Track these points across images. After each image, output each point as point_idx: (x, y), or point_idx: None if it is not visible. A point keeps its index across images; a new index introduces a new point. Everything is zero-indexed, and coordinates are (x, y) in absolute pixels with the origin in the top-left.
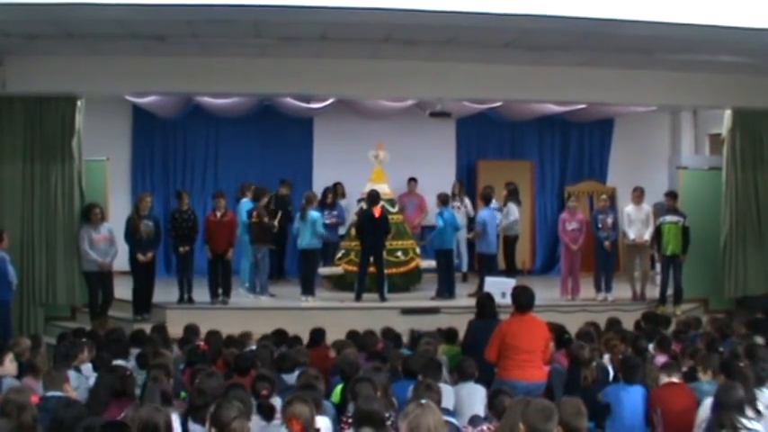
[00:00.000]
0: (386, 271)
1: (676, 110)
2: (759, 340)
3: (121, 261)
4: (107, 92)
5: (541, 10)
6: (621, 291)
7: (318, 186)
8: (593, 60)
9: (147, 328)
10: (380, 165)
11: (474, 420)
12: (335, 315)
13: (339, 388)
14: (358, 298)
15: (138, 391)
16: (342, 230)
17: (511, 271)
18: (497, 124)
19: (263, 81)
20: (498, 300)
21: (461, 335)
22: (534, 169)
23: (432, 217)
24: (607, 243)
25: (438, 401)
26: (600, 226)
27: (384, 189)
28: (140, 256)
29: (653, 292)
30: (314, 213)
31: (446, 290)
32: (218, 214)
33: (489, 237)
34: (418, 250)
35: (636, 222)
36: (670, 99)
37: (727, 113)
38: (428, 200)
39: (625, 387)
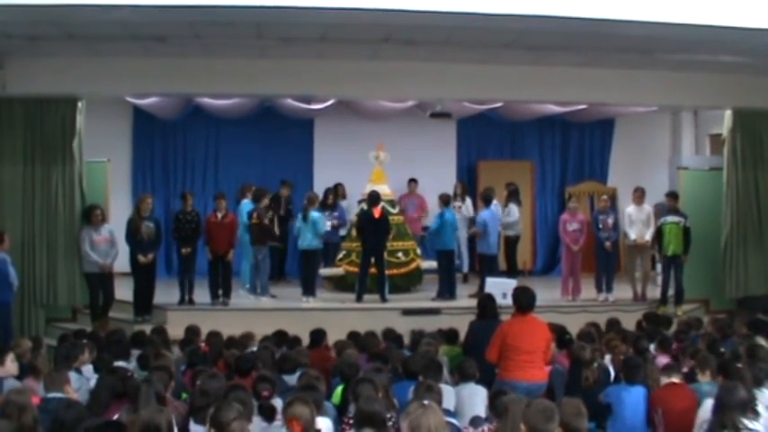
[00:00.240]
0: (387, 272)
1: (677, 110)
2: (760, 340)
3: (122, 262)
4: (108, 93)
5: (541, 10)
6: (622, 291)
7: (319, 187)
8: (594, 61)
9: (148, 329)
10: (381, 165)
11: (475, 421)
12: (336, 316)
13: (340, 389)
14: (359, 299)
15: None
16: (343, 231)
17: (512, 271)
18: (498, 125)
19: (264, 82)
20: (499, 300)
21: (462, 335)
22: (535, 170)
23: (432, 217)
24: (608, 243)
25: (439, 402)
26: (601, 226)
27: (384, 190)
28: (141, 258)
29: (654, 292)
30: (315, 214)
31: (447, 291)
32: (219, 215)
33: (490, 237)
34: (419, 251)
35: (637, 223)
36: (670, 99)
37: (728, 114)
38: (428, 200)
39: (626, 387)
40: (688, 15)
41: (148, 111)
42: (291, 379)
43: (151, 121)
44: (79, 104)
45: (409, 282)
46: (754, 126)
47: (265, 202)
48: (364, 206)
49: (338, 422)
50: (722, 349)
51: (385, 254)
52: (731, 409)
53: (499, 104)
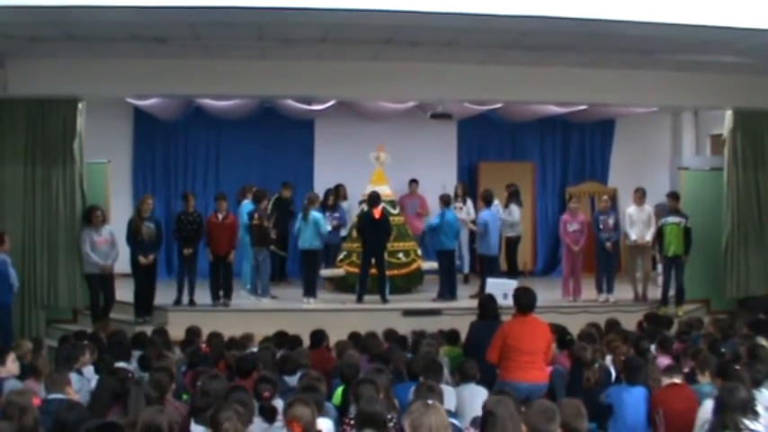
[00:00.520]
0: (387, 272)
1: (677, 110)
2: (761, 341)
3: (123, 263)
4: (108, 94)
5: (542, 11)
6: (623, 292)
7: (320, 188)
8: (594, 61)
9: (149, 330)
10: (381, 166)
11: (476, 422)
12: (337, 317)
13: (340, 390)
14: (359, 299)
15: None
16: (343, 232)
17: (512, 272)
18: (498, 125)
19: (264, 83)
20: (500, 301)
21: (463, 336)
22: (535, 170)
23: (432, 217)
24: (608, 244)
25: (440, 403)
26: (601, 227)
27: (385, 190)
28: (142, 259)
29: (655, 293)
30: (316, 213)
31: (448, 291)
32: (220, 216)
33: (490, 238)
34: (419, 252)
35: (637, 223)
36: (671, 100)
37: (728, 114)
38: (429, 201)
39: (627, 388)
40: (688, 16)
41: (149, 112)
42: (292, 380)
43: (152, 122)
44: (80, 105)
45: (410, 282)
46: (754, 126)
47: (265, 203)
48: (365, 207)
49: (339, 423)
50: (723, 350)
51: (385, 255)
52: (732, 410)
53: (500, 105)
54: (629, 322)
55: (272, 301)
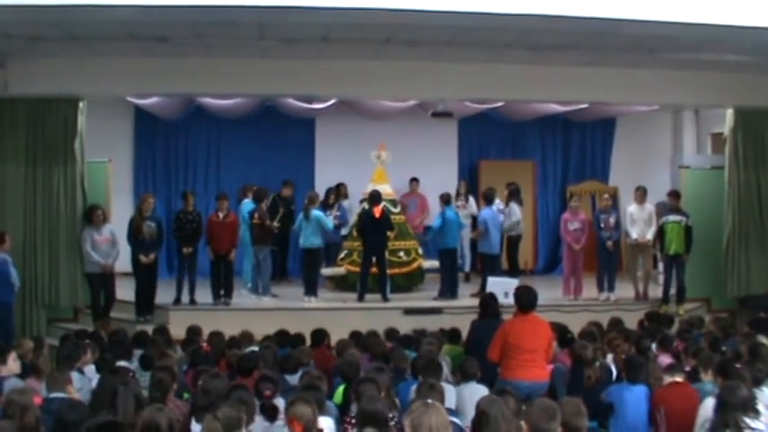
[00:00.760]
0: (388, 271)
1: (678, 109)
2: (762, 339)
3: (124, 262)
4: (109, 93)
5: (543, 10)
6: (624, 290)
7: (321, 187)
8: (595, 60)
9: (150, 329)
10: (382, 165)
11: None
12: (338, 315)
13: (341, 388)
14: (360, 298)
15: (143, 393)
16: (344, 231)
17: (513, 271)
18: (499, 124)
19: (265, 82)
20: (501, 300)
21: (464, 335)
22: (536, 169)
23: (433, 217)
24: (609, 243)
25: (441, 401)
26: (602, 225)
27: (386, 189)
28: (143, 258)
29: (655, 291)
30: (317, 212)
31: (449, 290)
32: (221, 215)
33: (491, 237)
34: (420, 250)
35: (638, 222)
36: (672, 98)
37: (730, 112)
38: (430, 200)
39: (628, 386)
40: (689, 14)
41: (150, 111)
42: (293, 378)
43: (152, 121)
44: (81, 105)
45: (411, 281)
46: (755, 125)
47: (266, 202)
48: (366, 206)
49: (340, 422)
50: (724, 348)
51: (386, 253)
52: (733, 408)
53: (501, 104)
54: (630, 321)
55: (272, 299)
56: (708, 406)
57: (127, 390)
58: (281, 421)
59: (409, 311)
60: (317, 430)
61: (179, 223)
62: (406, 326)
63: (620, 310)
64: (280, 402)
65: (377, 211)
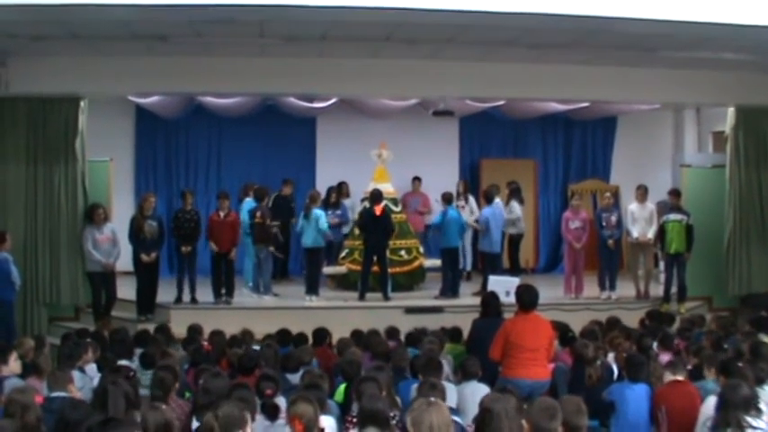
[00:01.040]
0: (389, 270)
1: (679, 107)
2: (764, 338)
3: (125, 261)
4: (110, 92)
5: (543, 8)
6: (625, 289)
7: (322, 186)
8: (596, 58)
9: (151, 328)
10: (383, 164)
11: None
12: (339, 314)
13: (342, 387)
14: (361, 297)
15: (144, 392)
16: (345, 230)
17: (515, 270)
18: (500, 123)
19: (266, 81)
20: (502, 298)
21: (466, 334)
22: (537, 168)
23: (435, 216)
24: (611, 241)
25: (442, 400)
26: (603, 224)
27: (387, 188)
28: (144, 257)
29: (657, 290)
30: (317, 211)
31: (450, 289)
32: (222, 214)
33: (492, 235)
34: (422, 249)
35: (639, 220)
36: (673, 97)
37: (731, 111)
38: (432, 199)
39: (629, 385)
40: (689, 12)
41: (151, 110)
42: (294, 377)
43: (153, 119)
44: (82, 103)
45: (412, 280)
46: (757, 123)
47: (267, 201)
48: (367, 204)
49: (341, 421)
50: (725, 346)
51: (387, 252)
52: (735, 407)
53: (502, 102)
54: (632, 319)
55: (273, 298)
56: (710, 404)
57: (116, 389)
58: (282, 420)
59: (410, 310)
60: (318, 429)
61: (177, 222)
62: (407, 325)
63: (622, 308)
64: (281, 401)
65: (377, 210)
